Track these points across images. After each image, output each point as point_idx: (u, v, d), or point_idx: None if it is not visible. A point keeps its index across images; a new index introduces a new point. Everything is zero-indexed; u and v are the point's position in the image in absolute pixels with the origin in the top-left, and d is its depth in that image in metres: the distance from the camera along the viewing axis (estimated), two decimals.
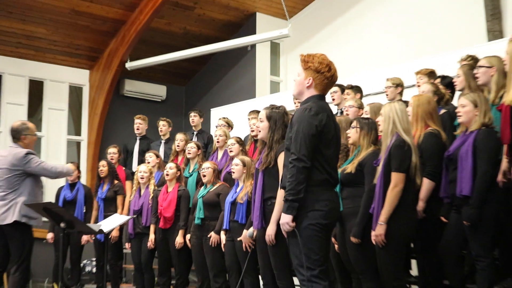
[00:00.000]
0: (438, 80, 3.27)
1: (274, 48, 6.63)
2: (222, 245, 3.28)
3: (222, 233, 3.28)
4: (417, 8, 5.33)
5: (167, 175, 3.75)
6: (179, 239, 3.63)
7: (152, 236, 3.78)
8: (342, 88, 3.90)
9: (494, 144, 2.40)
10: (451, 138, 2.65)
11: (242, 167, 3.16)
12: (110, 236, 3.94)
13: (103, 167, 4.25)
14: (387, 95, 3.52)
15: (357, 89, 3.85)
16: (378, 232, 2.39)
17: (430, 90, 2.98)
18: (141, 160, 4.58)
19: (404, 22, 5.39)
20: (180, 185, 3.77)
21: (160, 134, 4.90)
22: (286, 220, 2.04)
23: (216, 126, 4.46)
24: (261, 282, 2.95)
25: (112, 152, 4.55)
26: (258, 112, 3.34)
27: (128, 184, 4.42)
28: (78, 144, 6.49)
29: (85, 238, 4.21)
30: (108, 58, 6.25)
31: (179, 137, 4.30)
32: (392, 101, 2.86)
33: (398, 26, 5.43)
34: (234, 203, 3.15)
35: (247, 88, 6.41)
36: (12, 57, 5.91)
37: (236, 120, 4.72)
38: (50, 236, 4.24)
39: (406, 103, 2.80)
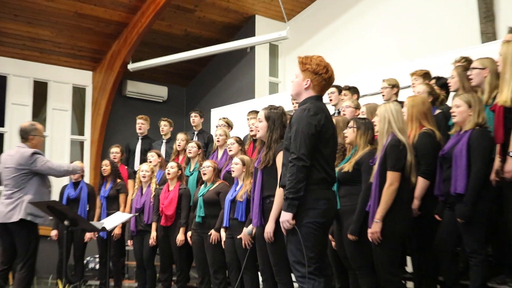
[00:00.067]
0: (433, 81, 3.29)
1: (273, 50, 6.68)
2: (222, 242, 3.32)
3: (222, 231, 3.32)
4: (412, 11, 5.38)
5: (169, 174, 3.79)
6: (180, 237, 3.68)
7: (153, 234, 3.82)
8: (340, 89, 3.93)
9: (487, 144, 2.43)
10: (445, 138, 2.68)
11: (241, 166, 3.20)
12: (112, 234, 3.97)
13: (106, 166, 4.29)
14: (383, 95, 3.55)
15: (354, 90, 3.89)
16: (374, 230, 2.42)
17: (425, 90, 3.01)
18: (143, 159, 4.62)
19: (400, 24, 5.44)
20: (181, 184, 3.80)
21: (162, 134, 4.94)
22: (287, 217, 2.07)
23: (216, 126, 4.50)
24: (260, 278, 2.98)
25: (115, 151, 4.58)
26: (257, 112, 3.36)
27: (130, 182, 4.45)
28: (81, 143, 6.55)
29: (88, 235, 4.24)
30: (110, 60, 6.31)
31: (180, 136, 4.34)
32: (387, 102, 2.89)
33: (394, 29, 5.48)
34: (233, 201, 3.19)
35: (246, 89, 6.45)
36: (17, 58, 5.98)
37: (236, 120, 4.76)
38: (54, 233, 4.29)
39: (401, 103, 2.83)
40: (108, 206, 4.20)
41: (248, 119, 4.08)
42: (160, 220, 3.80)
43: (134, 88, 6.78)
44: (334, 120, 2.50)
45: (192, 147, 4.04)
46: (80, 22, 5.83)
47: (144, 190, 4.01)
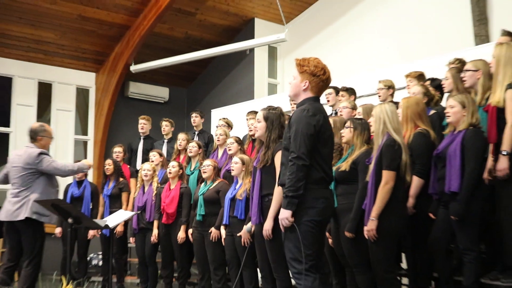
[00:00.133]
0: (428, 82, 3.32)
1: (272, 52, 6.73)
2: (222, 240, 3.36)
3: (222, 228, 3.36)
4: (407, 14, 5.43)
5: (170, 173, 3.84)
6: (181, 234, 3.72)
7: (155, 231, 3.86)
8: (337, 90, 3.96)
9: (481, 143, 2.46)
10: (440, 138, 2.71)
11: (241, 165, 3.24)
12: (115, 231, 3.99)
13: (108, 165, 4.34)
14: (379, 96, 3.59)
15: (351, 91, 3.91)
16: (370, 227, 2.44)
17: (420, 91, 3.03)
18: (145, 159, 4.68)
19: (395, 27, 5.50)
20: (182, 183, 3.84)
21: (163, 134, 4.98)
22: (286, 215, 2.10)
23: (217, 126, 4.53)
24: (259, 275, 3.03)
25: (118, 151, 4.63)
26: (256, 112, 3.41)
27: (132, 181, 4.50)
28: (85, 143, 6.60)
29: (91, 233, 4.29)
30: (113, 62, 6.36)
31: (181, 136, 4.39)
32: (383, 103, 2.92)
33: (389, 32, 5.53)
34: (233, 200, 3.24)
35: (246, 90, 6.50)
36: (22, 60, 6.04)
37: (236, 120, 4.80)
38: (58, 231, 4.32)
39: (397, 104, 2.86)
40: (111, 204, 4.25)
41: (247, 119, 4.13)
42: (161, 218, 3.84)
43: (136, 89, 6.84)
44: (331, 121, 2.57)
45: (192, 147, 4.09)
46: (83, 24, 5.88)
47: (146, 188, 4.05)
